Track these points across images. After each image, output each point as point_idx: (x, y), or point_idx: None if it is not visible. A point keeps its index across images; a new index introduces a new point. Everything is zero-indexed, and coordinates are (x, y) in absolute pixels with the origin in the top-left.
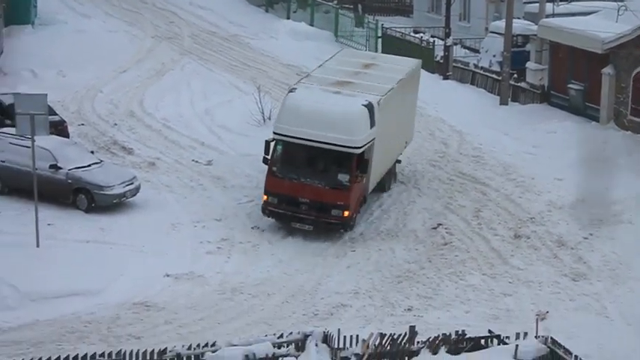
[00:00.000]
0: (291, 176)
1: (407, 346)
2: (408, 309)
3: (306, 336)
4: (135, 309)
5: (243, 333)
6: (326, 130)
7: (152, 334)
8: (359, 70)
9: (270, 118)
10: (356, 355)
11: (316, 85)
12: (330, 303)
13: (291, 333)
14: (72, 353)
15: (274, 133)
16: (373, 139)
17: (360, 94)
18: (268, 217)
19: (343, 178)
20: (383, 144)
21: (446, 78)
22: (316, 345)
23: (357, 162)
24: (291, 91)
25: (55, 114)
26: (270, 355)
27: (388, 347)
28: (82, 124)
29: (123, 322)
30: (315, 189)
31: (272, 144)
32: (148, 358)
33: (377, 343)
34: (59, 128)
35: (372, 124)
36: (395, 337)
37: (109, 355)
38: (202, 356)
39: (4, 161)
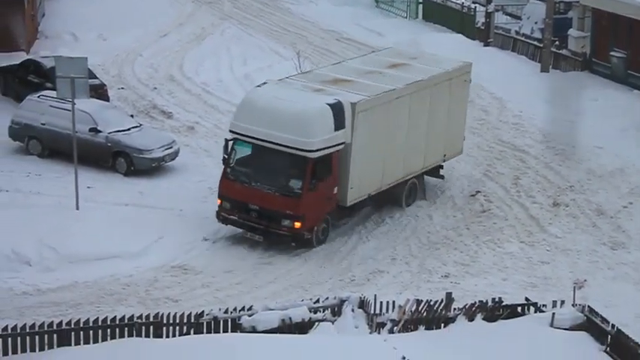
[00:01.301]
0: (242, 179)
1: (443, 312)
2: (445, 276)
3: (343, 301)
4: (173, 272)
5: (279, 297)
6: (280, 130)
7: (189, 298)
8: (379, 70)
9: None
10: (392, 320)
11: (299, 82)
12: (366, 269)
13: (327, 298)
14: (110, 315)
15: (229, 130)
16: (341, 143)
17: (346, 93)
18: (222, 223)
19: (295, 184)
20: (377, 152)
21: (487, 45)
22: (352, 310)
23: (312, 167)
24: (258, 85)
25: (95, 77)
26: (306, 320)
27: (424, 313)
28: (122, 88)
29: (161, 285)
30: (265, 195)
31: (230, 143)
32: (185, 321)
33: (413, 310)
34: (99, 92)
35: (340, 126)
36: (431, 303)
37: (147, 317)
38: (239, 320)
39: (44, 124)
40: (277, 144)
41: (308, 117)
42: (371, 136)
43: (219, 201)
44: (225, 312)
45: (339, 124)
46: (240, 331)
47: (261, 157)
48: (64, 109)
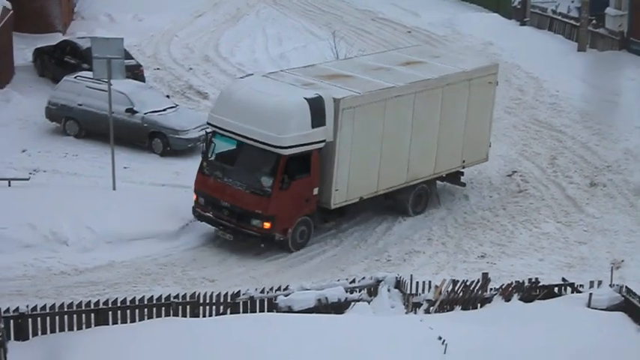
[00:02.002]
0: (216, 175)
1: (479, 292)
2: (482, 256)
3: (379, 281)
4: (209, 252)
5: (315, 277)
6: (253, 124)
7: (226, 277)
8: (389, 66)
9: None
10: (428, 300)
11: (292, 75)
12: (402, 249)
13: (363, 278)
14: (147, 294)
15: (207, 122)
16: (321, 141)
17: (337, 89)
18: (197, 219)
19: (266, 182)
20: (370, 153)
21: (523, 24)
22: (388, 290)
23: (284, 165)
24: (241, 77)
25: (132, 58)
26: (342, 300)
27: (461, 294)
28: (158, 69)
29: (197, 265)
30: (236, 192)
31: (209, 136)
32: (221, 300)
33: (449, 290)
34: (135, 72)
35: (319, 123)
36: (468, 283)
37: (184, 297)
38: (275, 300)
39: (81, 105)
40: (250, 139)
41: (281, 111)
42: (361, 136)
43: (194, 196)
44: (262, 292)
45: (317, 120)
46: (277, 311)
47: (235, 152)
48: (101, 90)
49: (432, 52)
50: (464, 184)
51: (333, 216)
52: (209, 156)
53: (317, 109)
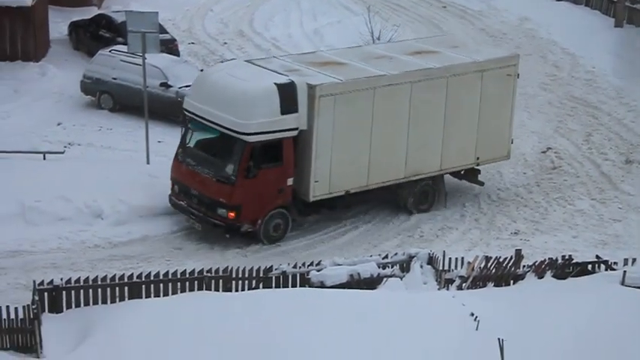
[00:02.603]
0: (188, 161)
1: (512, 269)
2: (515, 233)
3: (411, 257)
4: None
5: (347, 253)
6: (220, 110)
7: (257, 252)
8: (393, 55)
9: (379, 39)
10: (461, 277)
11: (281, 61)
12: (435, 225)
13: (396, 254)
14: (180, 268)
15: (182, 108)
16: (292, 128)
17: (321, 75)
18: (173, 208)
19: (231, 170)
20: (357, 144)
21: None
22: (421, 266)
23: (249, 153)
24: (221, 61)
25: (166, 32)
26: (374, 275)
27: (493, 270)
28: (192, 43)
29: (229, 240)
30: (203, 180)
31: (187, 121)
32: (253, 275)
33: (482, 266)
34: (170, 46)
35: (289, 109)
36: (500, 260)
37: (216, 271)
38: (307, 275)
39: (115, 79)
40: (217, 124)
41: (247, 97)
42: (345, 125)
43: (170, 183)
44: (294, 267)
45: (288, 106)
46: (309, 286)
47: (206, 139)
48: (135, 64)
49: (452, 42)
50: (482, 183)
51: (314, 209)
52: (186, 142)
53: (287, 95)
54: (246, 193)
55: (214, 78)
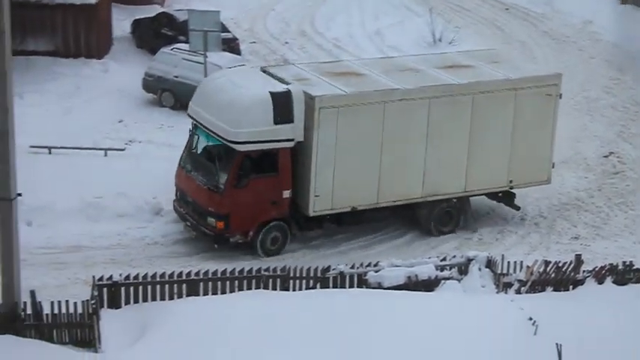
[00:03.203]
0: (187, 167)
1: (572, 274)
2: (575, 237)
3: (470, 260)
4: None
5: (405, 254)
6: (216, 117)
7: (314, 252)
8: (419, 68)
9: (440, 40)
10: (519, 280)
11: (294, 69)
12: (494, 228)
13: (454, 256)
14: (238, 267)
15: (187, 113)
16: (287, 139)
17: (331, 87)
18: (175, 213)
19: (222, 179)
20: (365, 160)
21: (624, 2)
22: (479, 269)
23: (240, 162)
24: (230, 67)
25: (228, 31)
26: (432, 277)
27: (552, 275)
28: (254, 42)
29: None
30: (197, 187)
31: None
32: (311, 275)
33: (541, 270)
34: (231, 45)
35: (284, 120)
36: (560, 265)
37: (274, 270)
38: (365, 276)
39: (177, 76)
40: (211, 131)
41: (239, 104)
42: (350, 139)
43: (175, 189)
44: (352, 267)
45: (282, 116)
46: (366, 287)
47: (203, 146)
48: (197, 62)
49: (495, 57)
50: (518, 208)
51: (316, 224)
52: (188, 148)
53: (281, 105)
54: (235, 203)
55: (215, 84)
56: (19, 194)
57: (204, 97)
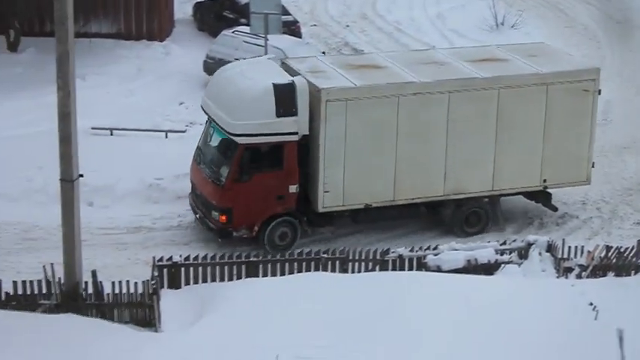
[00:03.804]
0: (198, 161)
1: (634, 259)
2: (638, 223)
3: (530, 244)
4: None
5: (465, 238)
6: (220, 108)
7: (371, 235)
8: (447, 62)
9: (503, 24)
10: (580, 265)
11: (313, 61)
12: (555, 213)
13: (514, 240)
14: (297, 250)
15: (200, 106)
16: (291, 132)
17: (344, 79)
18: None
19: (224, 172)
20: (378, 156)
21: None
22: (540, 254)
23: (241, 155)
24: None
25: (289, 14)
26: (492, 261)
27: (614, 260)
28: (315, 25)
29: (346, 222)
30: (204, 180)
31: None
32: (370, 257)
33: (602, 255)
34: (292, 28)
35: (287, 112)
36: (622, 250)
37: (333, 252)
38: (424, 259)
39: (238, 59)
40: (217, 124)
41: (241, 96)
42: (362, 134)
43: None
44: (411, 250)
45: (285, 109)
46: (425, 270)
47: (211, 139)
48: (257, 45)
49: (538, 51)
50: (555, 209)
51: (328, 220)
52: (202, 141)
53: (284, 97)
54: (238, 196)
55: (224, 75)
56: (81, 175)
57: (214, 88)
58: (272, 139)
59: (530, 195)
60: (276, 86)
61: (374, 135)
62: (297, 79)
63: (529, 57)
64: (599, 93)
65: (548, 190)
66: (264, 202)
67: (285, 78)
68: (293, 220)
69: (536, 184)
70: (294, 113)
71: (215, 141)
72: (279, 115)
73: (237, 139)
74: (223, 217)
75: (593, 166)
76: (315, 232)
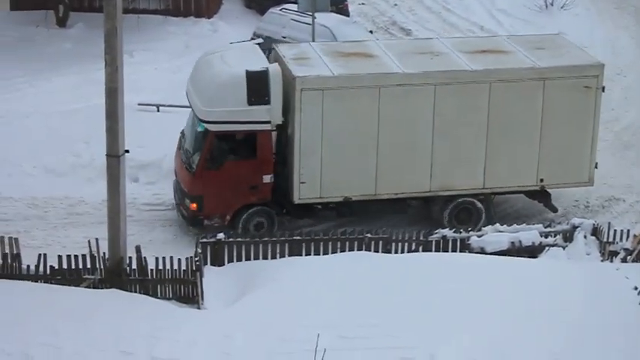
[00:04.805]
0: (181, 145)
1: None
2: None
3: (575, 227)
4: None
5: (508, 220)
6: (196, 94)
7: (417, 215)
8: (443, 52)
9: (552, 4)
10: (625, 249)
11: (303, 47)
12: (601, 196)
13: (559, 223)
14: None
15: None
16: (263, 121)
17: (325, 68)
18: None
19: (195, 159)
20: (358, 147)
21: None
22: (585, 237)
23: (211, 142)
24: (232, 42)
25: None
26: (536, 244)
27: None
28: (363, 4)
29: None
30: (180, 167)
31: None
32: (413, 238)
33: None
34: (340, 6)
35: (259, 101)
36: None
37: (376, 233)
38: (468, 240)
39: (285, 37)
40: (193, 110)
41: (213, 83)
42: (340, 125)
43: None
44: (455, 232)
45: (257, 97)
46: (469, 252)
47: (190, 125)
48: (305, 23)
49: (548, 44)
50: (555, 209)
51: (306, 212)
52: (187, 127)
53: (257, 85)
54: (208, 184)
55: (205, 60)
56: (127, 151)
57: (194, 72)
58: (244, 128)
59: (529, 194)
60: (248, 73)
61: (353, 126)
62: (271, 67)
63: (535, 50)
64: (603, 90)
65: (543, 190)
66: (236, 192)
67: (260, 65)
68: (269, 211)
69: (532, 183)
70: (266, 102)
71: (193, 127)
72: (250, 103)
73: (208, 126)
74: (194, 205)
75: (596, 167)
76: (292, 223)
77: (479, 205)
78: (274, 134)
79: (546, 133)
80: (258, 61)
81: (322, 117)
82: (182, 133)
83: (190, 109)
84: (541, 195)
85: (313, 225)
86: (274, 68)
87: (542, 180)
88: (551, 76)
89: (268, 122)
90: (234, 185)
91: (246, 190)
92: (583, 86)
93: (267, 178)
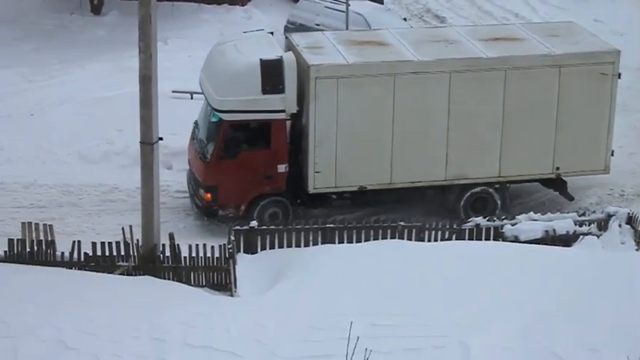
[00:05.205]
0: (194, 136)
1: None
2: None
3: (610, 216)
4: None
5: (542, 209)
6: (210, 83)
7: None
8: (457, 40)
9: None
10: None
11: (316, 36)
12: (637, 184)
13: (594, 211)
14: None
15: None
16: (278, 110)
17: (338, 57)
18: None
19: (210, 149)
20: (373, 137)
21: None
22: (620, 226)
23: (225, 131)
24: (245, 32)
25: None
26: (570, 232)
27: None
28: None
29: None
30: (194, 157)
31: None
32: (447, 226)
33: None
34: None
35: (274, 89)
36: None
37: (410, 221)
38: (501, 228)
39: (318, 25)
40: (207, 100)
41: (228, 72)
42: (355, 113)
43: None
44: (489, 220)
45: (271, 86)
46: (502, 240)
47: (204, 114)
48: (339, 11)
49: (562, 31)
50: (571, 198)
51: (321, 202)
52: (201, 117)
53: (271, 74)
54: (223, 174)
55: (219, 51)
56: (161, 138)
57: (208, 61)
58: (258, 117)
59: (544, 182)
60: (262, 62)
61: (368, 115)
62: (285, 55)
63: (549, 37)
64: (619, 77)
65: (559, 178)
66: (250, 181)
67: (275, 54)
68: (284, 201)
69: (548, 171)
70: (281, 90)
71: (206, 117)
72: (265, 92)
73: (222, 116)
74: (208, 195)
75: (612, 155)
76: (307, 214)
77: (495, 194)
78: (289, 123)
79: (562, 121)
80: (272, 50)
81: (337, 106)
82: (195, 123)
83: (204, 99)
84: (557, 183)
85: (327, 215)
86: (288, 57)
87: (558, 168)
88: (566, 63)
89: (283, 111)
90: (249, 175)
91: (261, 179)
92: (599, 73)
93: (282, 168)
